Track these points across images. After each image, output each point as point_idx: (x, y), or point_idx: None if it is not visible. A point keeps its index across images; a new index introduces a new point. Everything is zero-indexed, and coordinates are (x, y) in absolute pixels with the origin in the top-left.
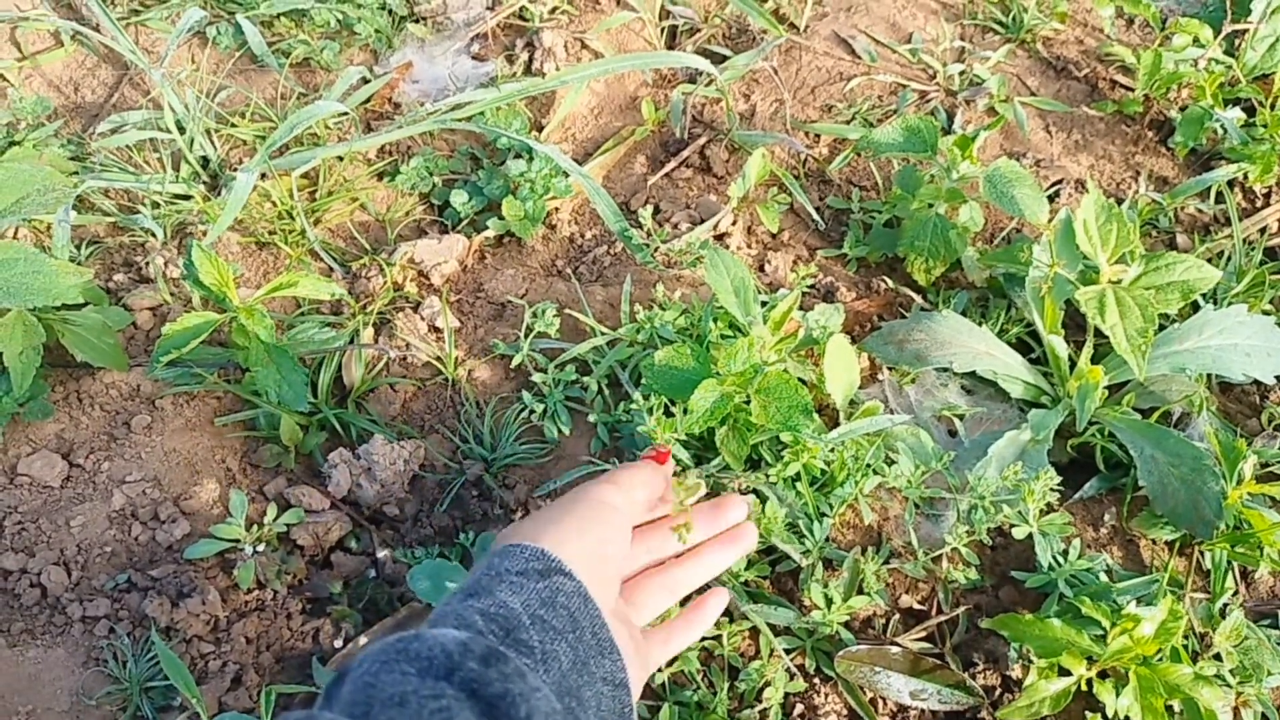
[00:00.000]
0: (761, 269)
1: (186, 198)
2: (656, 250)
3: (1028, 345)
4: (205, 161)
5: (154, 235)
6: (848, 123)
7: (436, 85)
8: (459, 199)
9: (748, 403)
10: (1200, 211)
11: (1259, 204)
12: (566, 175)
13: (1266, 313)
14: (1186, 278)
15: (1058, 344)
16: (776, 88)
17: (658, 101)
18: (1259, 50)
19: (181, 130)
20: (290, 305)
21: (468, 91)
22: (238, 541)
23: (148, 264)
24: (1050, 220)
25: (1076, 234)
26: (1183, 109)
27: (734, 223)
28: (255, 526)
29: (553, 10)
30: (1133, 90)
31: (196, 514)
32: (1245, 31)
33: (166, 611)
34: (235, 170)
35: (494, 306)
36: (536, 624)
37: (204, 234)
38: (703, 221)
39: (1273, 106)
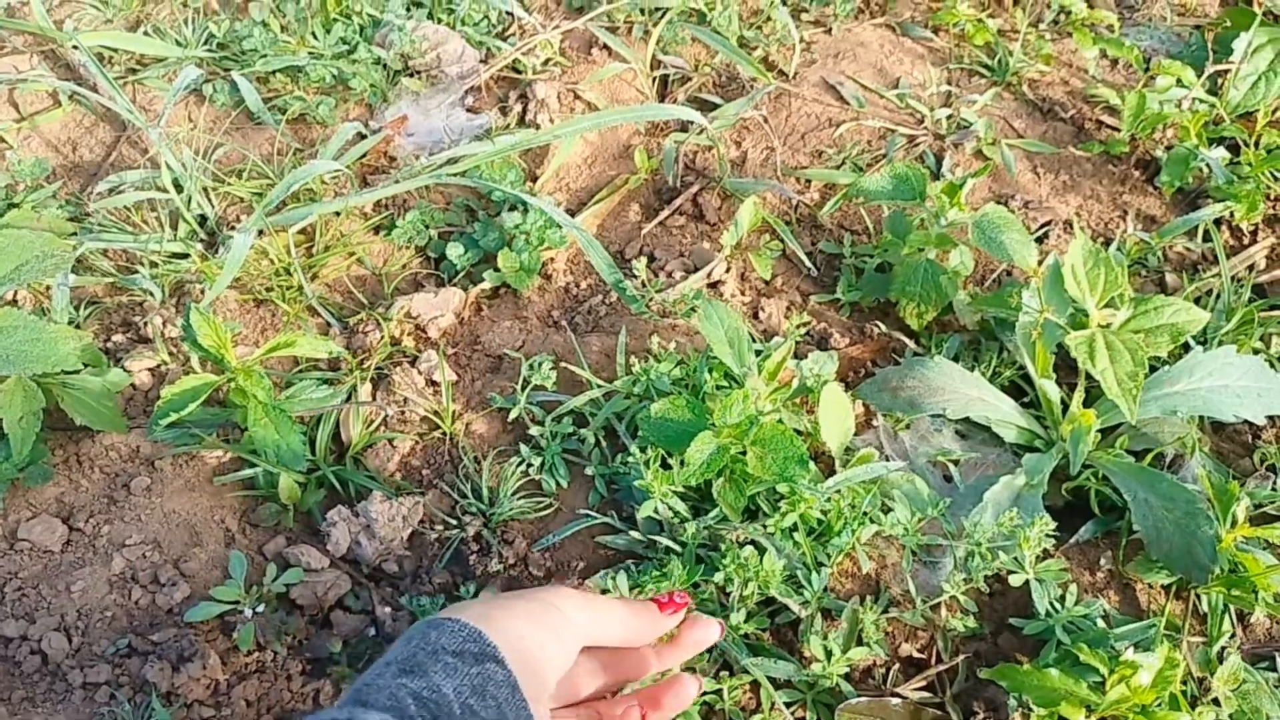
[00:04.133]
0: (755, 316)
1: (184, 256)
2: (651, 300)
3: (1021, 388)
4: (203, 219)
5: (152, 295)
6: (838, 168)
7: (432, 138)
8: (455, 252)
9: (744, 454)
10: (1188, 250)
11: (1246, 241)
12: (561, 226)
13: (1256, 350)
14: (1175, 320)
15: (1050, 388)
16: (767, 134)
17: (650, 150)
18: (1241, 89)
19: (179, 189)
20: (288, 363)
21: (462, 144)
22: (237, 603)
23: (146, 324)
24: (1040, 263)
25: (1065, 279)
26: (1168, 148)
27: (727, 270)
28: (255, 587)
29: (545, 62)
30: (1119, 131)
31: (196, 576)
32: (1227, 71)
33: (167, 676)
34: (233, 228)
35: (491, 359)
36: (466, 714)
37: (202, 294)
38: (696, 269)
39: (1256, 144)
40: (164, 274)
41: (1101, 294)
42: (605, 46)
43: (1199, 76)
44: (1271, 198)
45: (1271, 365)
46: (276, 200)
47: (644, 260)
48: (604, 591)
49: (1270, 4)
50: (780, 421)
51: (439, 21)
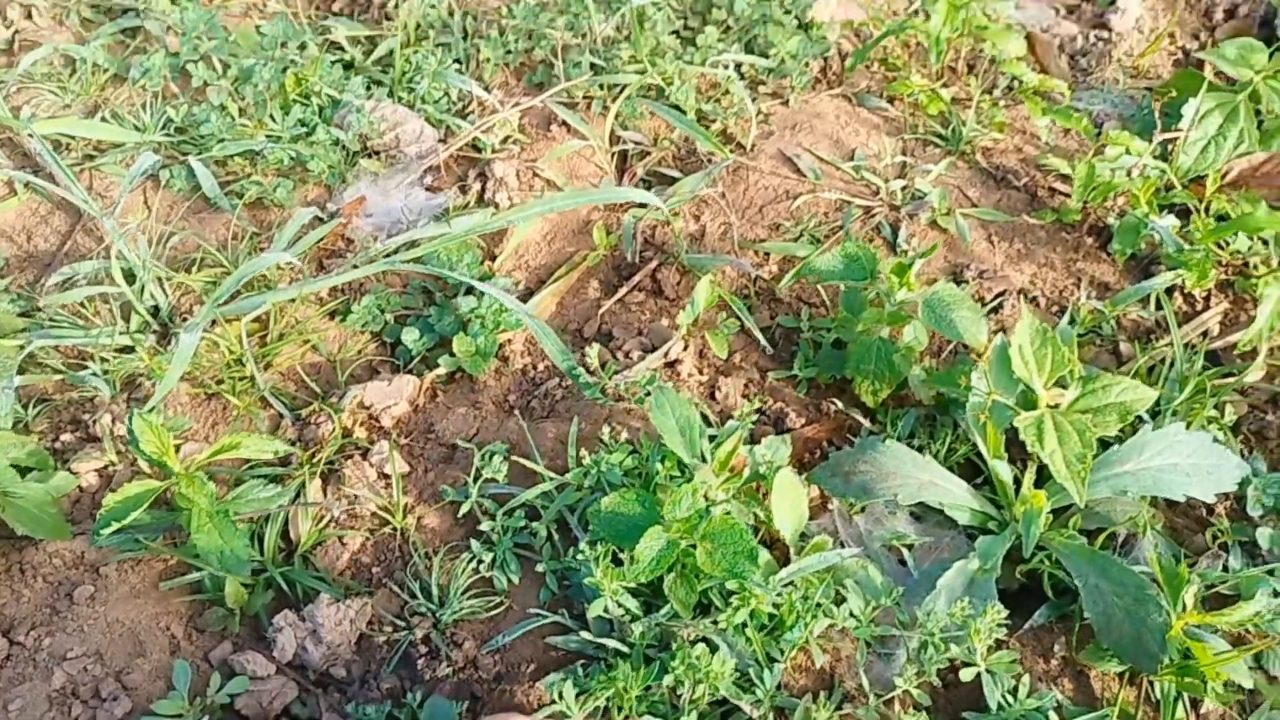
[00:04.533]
0: (712, 395)
1: (134, 349)
2: (607, 385)
3: (977, 466)
4: (156, 310)
5: (101, 392)
6: (795, 240)
7: (390, 218)
8: (410, 336)
9: (694, 548)
10: (1142, 318)
11: (1200, 307)
12: None
13: (1211, 419)
14: (1123, 399)
15: (1002, 469)
16: (726, 207)
17: (610, 225)
18: (1191, 154)
19: (132, 280)
20: (238, 459)
21: (420, 225)
22: (180, 717)
23: (95, 423)
24: (996, 333)
25: (1012, 360)
26: (1121, 215)
27: (685, 348)
28: (199, 698)
29: (504, 140)
30: (1071, 197)
31: (139, 688)
32: (1178, 137)
33: None
34: (186, 318)
35: (444, 448)
36: None
37: (153, 388)
38: (654, 348)
39: (1206, 210)
40: (114, 369)
41: (1049, 374)
42: (564, 123)
43: (1149, 143)
44: (1223, 263)
45: (1226, 433)
46: (226, 294)
47: (596, 348)
48: (551, 702)
49: (1219, 65)
50: (729, 515)
51: (399, 100)
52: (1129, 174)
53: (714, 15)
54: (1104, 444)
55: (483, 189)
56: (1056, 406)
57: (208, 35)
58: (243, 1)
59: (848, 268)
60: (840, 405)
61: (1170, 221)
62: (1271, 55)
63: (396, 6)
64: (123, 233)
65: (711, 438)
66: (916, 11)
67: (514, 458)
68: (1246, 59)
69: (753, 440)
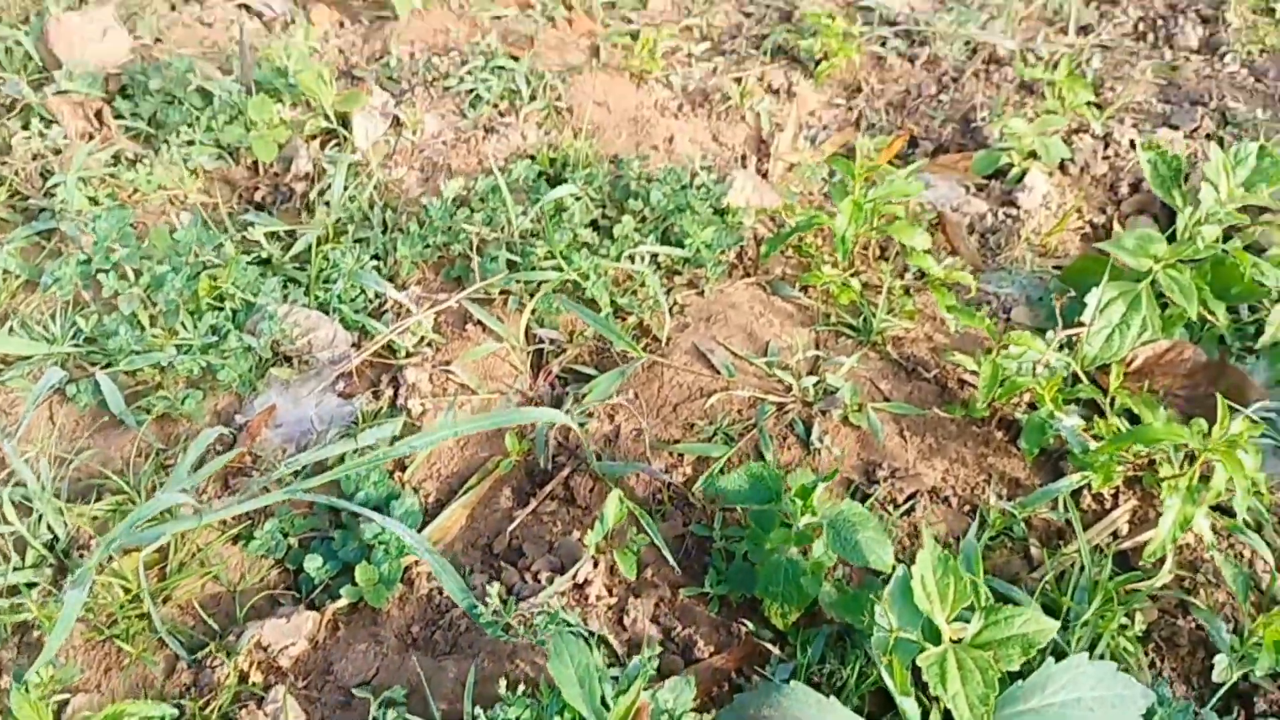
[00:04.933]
0: (621, 621)
1: (30, 587)
2: (509, 621)
3: (888, 694)
4: (54, 542)
5: None
6: (710, 439)
7: (300, 428)
8: (313, 564)
9: None
10: (1052, 519)
11: (1109, 505)
12: (426, 524)
13: (1123, 626)
14: (1025, 630)
15: (910, 707)
16: (639, 410)
17: (523, 430)
18: (1095, 344)
19: (29, 510)
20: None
21: (330, 437)
22: None
23: None
24: (907, 539)
25: (915, 592)
26: (1032, 406)
27: (596, 566)
28: None
29: (419, 342)
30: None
31: None
32: (1080, 333)
33: None
34: (84, 551)
35: (342, 693)
36: None
37: (44, 636)
38: (564, 569)
39: (1112, 404)
40: (3, 616)
41: (952, 605)
42: (480, 321)
43: (1052, 338)
44: (1129, 462)
45: (1135, 644)
46: (120, 537)
47: (497, 587)
48: None
49: (1119, 257)
50: None
51: (315, 299)
52: (1034, 370)
53: (631, 205)
54: (1011, 675)
55: (395, 394)
56: (959, 641)
57: (120, 243)
58: (163, 194)
59: (753, 489)
60: (751, 626)
61: (1075, 421)
62: (1170, 238)
63: (313, 203)
64: (23, 457)
65: (615, 678)
66: (828, 194)
67: (411, 712)
68: (1146, 249)
69: (660, 673)
